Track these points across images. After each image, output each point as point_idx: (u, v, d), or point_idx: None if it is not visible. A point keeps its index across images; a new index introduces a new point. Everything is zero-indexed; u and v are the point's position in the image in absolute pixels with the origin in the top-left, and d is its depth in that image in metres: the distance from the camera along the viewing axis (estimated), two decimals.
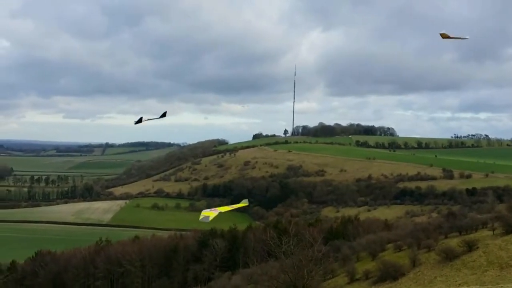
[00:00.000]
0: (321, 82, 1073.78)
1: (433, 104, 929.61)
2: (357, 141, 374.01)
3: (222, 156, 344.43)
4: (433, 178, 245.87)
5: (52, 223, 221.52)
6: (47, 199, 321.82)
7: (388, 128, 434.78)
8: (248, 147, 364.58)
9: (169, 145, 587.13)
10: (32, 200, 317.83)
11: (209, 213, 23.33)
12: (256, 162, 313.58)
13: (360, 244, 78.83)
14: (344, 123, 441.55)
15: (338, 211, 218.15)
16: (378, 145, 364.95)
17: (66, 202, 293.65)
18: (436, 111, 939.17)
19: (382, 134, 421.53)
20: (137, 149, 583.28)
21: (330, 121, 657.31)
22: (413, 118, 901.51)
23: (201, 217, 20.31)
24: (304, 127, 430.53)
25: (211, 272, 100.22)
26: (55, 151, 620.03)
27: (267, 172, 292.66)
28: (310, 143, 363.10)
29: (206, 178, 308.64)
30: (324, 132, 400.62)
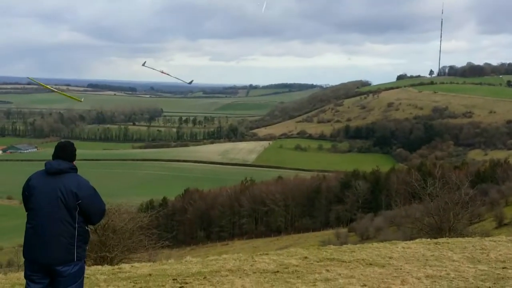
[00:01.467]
0: (471, 20, 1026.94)
1: None
2: (509, 81, 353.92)
3: (365, 98, 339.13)
4: None
5: (200, 162, 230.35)
6: (195, 139, 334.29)
7: None
8: (391, 88, 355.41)
9: (312, 86, 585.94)
10: (181, 140, 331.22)
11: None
12: (400, 103, 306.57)
13: (509, 188, 75.92)
14: (494, 62, 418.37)
15: (486, 154, 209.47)
16: None
17: (212, 143, 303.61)
18: None
19: None
20: (280, 91, 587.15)
21: (479, 60, 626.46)
22: None
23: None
24: (451, 67, 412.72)
25: (353, 213, 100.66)
26: (201, 92, 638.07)
27: (411, 113, 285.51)
28: (457, 83, 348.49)
29: (349, 119, 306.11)
30: (472, 72, 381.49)
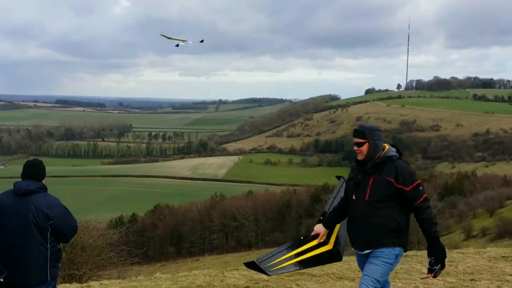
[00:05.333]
0: (440, 34, 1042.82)
1: None
2: (475, 95, 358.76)
3: (334, 112, 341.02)
4: None
5: (170, 177, 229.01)
6: (164, 155, 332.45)
7: (508, 81, 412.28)
8: (360, 102, 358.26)
9: (281, 101, 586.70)
10: (150, 155, 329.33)
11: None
12: (369, 117, 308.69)
13: (477, 200, 76.83)
14: (461, 76, 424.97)
15: (453, 167, 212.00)
16: (497, 99, 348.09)
17: (182, 158, 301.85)
18: None
19: (502, 87, 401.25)
20: (250, 106, 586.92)
21: (447, 75, 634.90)
22: None
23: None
24: (418, 81, 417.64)
25: None
26: (171, 108, 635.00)
27: (379, 127, 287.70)
28: (425, 97, 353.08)
29: (318, 133, 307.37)
30: (439, 86, 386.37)
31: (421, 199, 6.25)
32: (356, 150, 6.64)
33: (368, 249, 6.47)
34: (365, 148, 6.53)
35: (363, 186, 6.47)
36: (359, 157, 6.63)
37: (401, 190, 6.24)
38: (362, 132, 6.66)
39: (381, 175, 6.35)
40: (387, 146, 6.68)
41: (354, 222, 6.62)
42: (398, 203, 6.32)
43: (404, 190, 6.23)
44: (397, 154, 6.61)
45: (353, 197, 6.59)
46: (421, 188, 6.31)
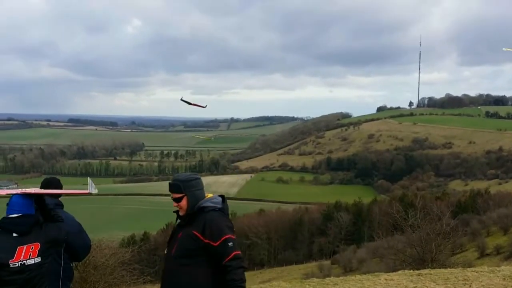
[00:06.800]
0: (452, 52, 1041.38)
1: None
2: (487, 112, 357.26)
3: (346, 130, 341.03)
4: None
5: None
6: (176, 173, 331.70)
7: None
8: (372, 120, 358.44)
9: (293, 119, 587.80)
10: (162, 174, 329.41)
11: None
12: (380, 135, 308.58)
13: (490, 218, 76.12)
14: (473, 93, 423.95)
15: (466, 184, 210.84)
16: (509, 116, 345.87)
17: None
18: None
19: None
20: (262, 124, 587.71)
21: (459, 92, 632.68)
22: None
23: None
24: (430, 99, 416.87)
25: (336, 245, 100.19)
26: (183, 126, 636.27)
27: (391, 145, 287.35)
28: (437, 114, 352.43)
29: (330, 151, 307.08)
30: (451, 103, 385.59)
31: (230, 257, 5.42)
32: (176, 206, 5.95)
33: None
34: (184, 202, 5.82)
35: (174, 239, 5.81)
36: (181, 213, 5.92)
37: (209, 246, 5.48)
38: (177, 186, 5.88)
39: (190, 228, 5.65)
40: (210, 195, 5.93)
41: (161, 278, 5.86)
42: (208, 262, 5.53)
43: (212, 245, 5.46)
44: (215, 205, 5.77)
45: (165, 251, 5.92)
46: (230, 244, 5.47)
